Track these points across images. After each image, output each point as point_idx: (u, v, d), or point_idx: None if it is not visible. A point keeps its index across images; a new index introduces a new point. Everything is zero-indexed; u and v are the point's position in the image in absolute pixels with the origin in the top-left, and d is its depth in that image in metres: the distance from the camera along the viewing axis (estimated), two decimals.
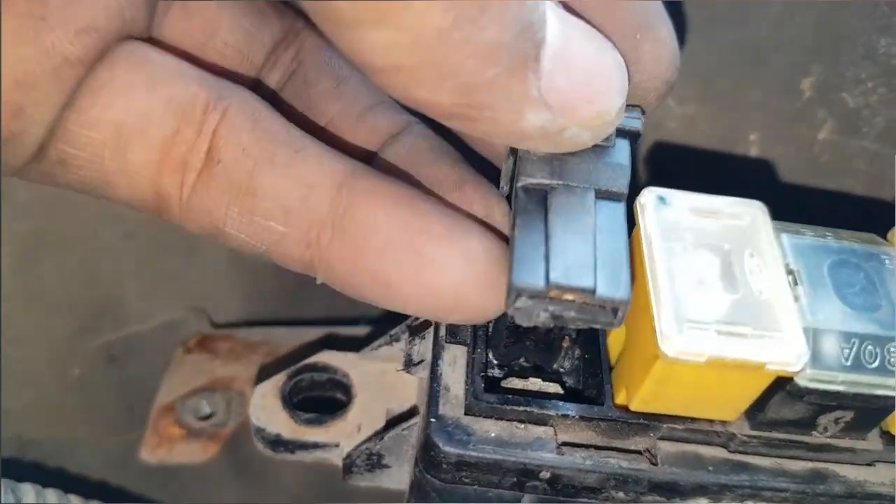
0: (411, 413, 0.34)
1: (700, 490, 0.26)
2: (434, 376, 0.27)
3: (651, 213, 0.25)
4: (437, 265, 0.25)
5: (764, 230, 0.26)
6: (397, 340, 0.34)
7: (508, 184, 0.27)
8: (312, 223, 0.26)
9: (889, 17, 0.42)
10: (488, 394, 0.26)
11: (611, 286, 0.22)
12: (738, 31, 0.48)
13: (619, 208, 0.24)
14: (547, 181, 0.23)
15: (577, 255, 0.22)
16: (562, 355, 0.30)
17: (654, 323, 0.24)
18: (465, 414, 0.26)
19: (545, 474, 0.26)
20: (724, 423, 0.26)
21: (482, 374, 0.26)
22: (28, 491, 0.39)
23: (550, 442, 0.26)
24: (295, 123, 0.28)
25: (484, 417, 0.26)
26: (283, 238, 0.26)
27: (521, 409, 0.26)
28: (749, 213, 0.26)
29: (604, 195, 0.24)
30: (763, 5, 0.44)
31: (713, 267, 0.25)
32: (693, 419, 0.26)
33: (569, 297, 0.22)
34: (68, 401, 0.50)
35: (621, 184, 0.24)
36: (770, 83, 0.47)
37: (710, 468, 0.26)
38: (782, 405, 0.25)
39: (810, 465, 0.27)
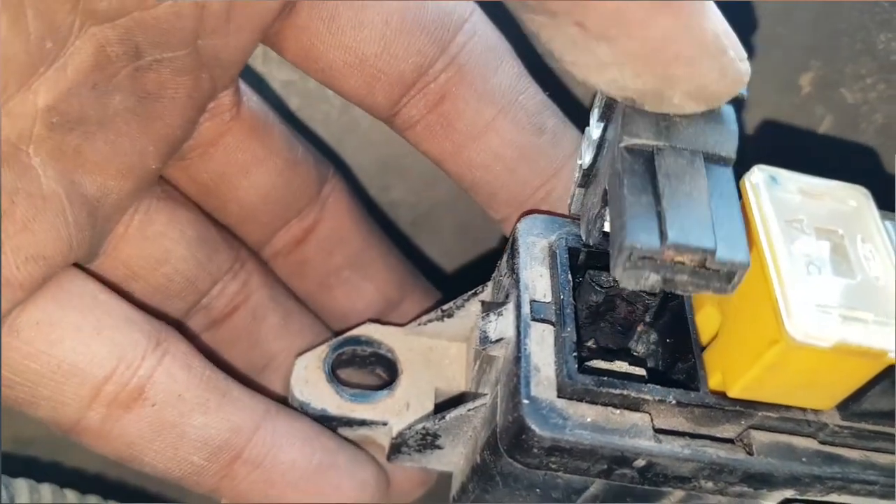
0: (462, 394, 0.32)
1: (792, 481, 0.25)
2: (522, 355, 0.25)
3: (764, 192, 0.24)
4: (340, 492, 0.30)
5: (871, 215, 0.25)
6: (450, 316, 0.32)
7: (594, 150, 0.26)
8: (232, 459, 0.29)
9: (888, 13, 0.42)
10: (583, 375, 0.24)
11: (730, 249, 0.21)
12: (735, 27, 0.48)
13: (729, 173, 0.23)
14: (652, 142, 0.23)
15: (693, 215, 0.21)
16: (635, 339, 0.29)
17: (770, 305, 0.23)
18: (558, 396, 0.24)
19: (640, 462, 0.24)
20: (815, 412, 0.26)
21: (574, 354, 0.25)
22: (22, 487, 0.35)
23: (647, 429, 0.24)
24: (234, 359, 0.32)
25: (577, 400, 0.24)
26: (201, 470, 0.29)
27: (618, 392, 0.24)
28: (855, 198, 0.25)
29: (712, 159, 0.23)
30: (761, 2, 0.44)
31: (824, 250, 0.24)
32: (787, 407, 0.25)
33: (684, 258, 0.21)
34: None
35: (730, 148, 0.23)
36: (768, 79, 0.46)
37: (804, 459, 0.25)
38: (883, 395, 0.25)
39: None
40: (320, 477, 0.30)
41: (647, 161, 0.22)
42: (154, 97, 0.27)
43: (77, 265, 0.29)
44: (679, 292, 0.22)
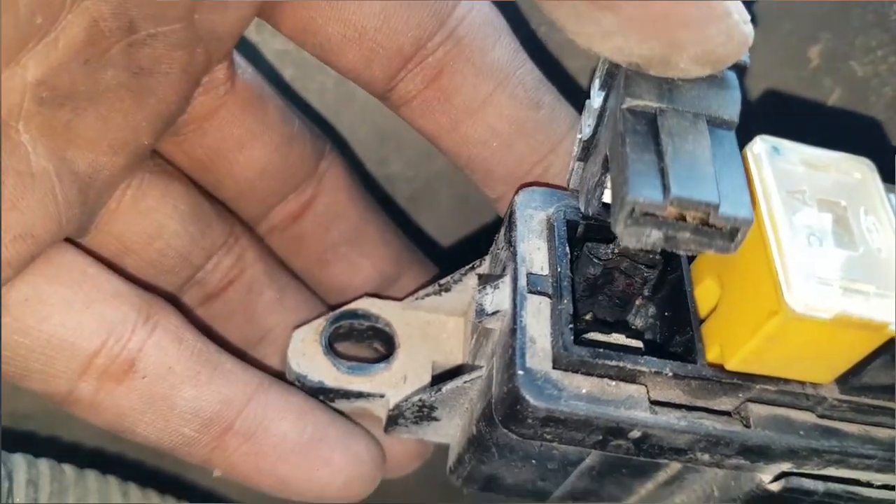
0: (460, 367, 0.32)
1: (789, 455, 0.25)
2: (518, 327, 0.25)
3: (766, 163, 0.24)
4: (331, 466, 0.30)
5: (875, 188, 0.24)
6: (447, 291, 0.32)
7: (595, 119, 0.26)
8: (223, 431, 0.29)
9: None
10: (579, 346, 0.24)
11: (734, 205, 0.21)
12: None
13: (732, 137, 0.23)
14: (655, 104, 0.22)
15: (696, 171, 0.21)
16: (633, 313, 0.29)
17: (769, 277, 0.22)
18: (554, 367, 0.24)
19: (635, 434, 0.24)
20: (814, 385, 0.25)
21: (570, 325, 0.25)
22: (19, 462, 0.35)
23: (643, 400, 0.24)
24: (229, 334, 0.32)
25: (572, 372, 0.24)
26: (193, 441, 0.29)
27: (614, 363, 0.24)
28: (859, 170, 0.25)
29: (715, 122, 0.23)
30: None
31: (826, 222, 0.24)
32: (786, 380, 0.25)
33: (687, 214, 0.20)
34: None
35: (733, 112, 0.23)
36: (776, 51, 0.46)
37: (802, 432, 0.25)
38: (883, 369, 0.24)
39: None
40: (311, 450, 0.30)
41: (649, 122, 0.22)
42: (148, 72, 0.26)
43: (68, 240, 0.29)
44: (681, 252, 0.21)
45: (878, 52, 0.43)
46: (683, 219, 0.21)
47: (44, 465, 0.36)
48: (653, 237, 0.21)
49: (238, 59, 0.31)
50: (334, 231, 0.34)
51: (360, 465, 0.31)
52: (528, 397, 0.23)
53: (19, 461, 0.36)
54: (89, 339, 0.27)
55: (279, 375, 0.31)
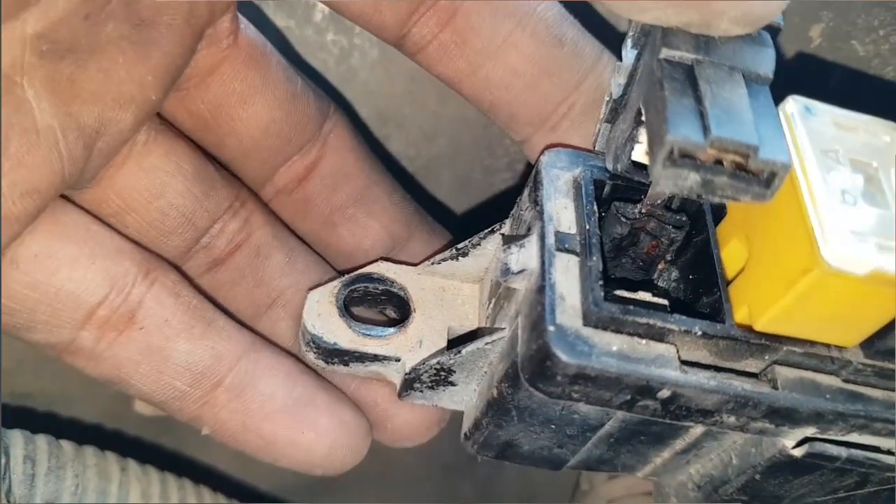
0: (475, 332, 0.32)
1: (815, 418, 0.25)
2: (547, 284, 0.24)
3: (799, 122, 0.24)
4: (318, 430, 0.31)
5: None
6: (464, 255, 0.31)
7: (626, 79, 0.26)
8: (213, 387, 0.30)
9: None
10: (609, 303, 0.24)
11: (773, 149, 0.21)
12: None
13: (766, 91, 0.23)
14: (692, 55, 0.22)
15: (735, 114, 0.21)
16: (656, 276, 0.28)
17: (804, 233, 0.22)
18: (584, 325, 0.24)
19: (664, 393, 0.24)
20: (840, 349, 0.25)
21: (600, 282, 0.24)
22: (17, 438, 0.34)
23: (673, 359, 0.24)
24: (238, 299, 0.33)
25: (602, 329, 0.24)
26: (184, 395, 0.30)
27: (644, 321, 0.24)
28: (888, 133, 0.25)
29: (750, 77, 0.23)
30: None
31: (858, 181, 0.24)
32: (812, 343, 0.25)
33: (725, 158, 0.20)
34: None
35: (768, 68, 0.23)
36: None
37: (828, 396, 0.25)
38: None
39: None
40: (298, 411, 0.31)
41: (686, 72, 0.22)
42: (149, 24, 0.26)
43: (72, 202, 0.29)
44: (716, 199, 0.21)
45: (879, 32, 0.42)
46: (721, 163, 0.21)
47: (41, 440, 0.36)
48: (690, 180, 0.21)
49: (240, 15, 0.30)
50: (341, 192, 0.33)
51: (346, 432, 0.31)
52: (559, 353, 0.23)
53: (17, 437, 0.35)
54: (93, 291, 0.29)
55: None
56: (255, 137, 0.31)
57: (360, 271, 0.31)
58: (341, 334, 0.30)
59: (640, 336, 0.24)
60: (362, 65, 0.36)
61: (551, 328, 0.24)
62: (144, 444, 0.46)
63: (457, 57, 0.29)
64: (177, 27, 0.27)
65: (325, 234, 0.34)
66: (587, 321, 0.24)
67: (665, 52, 0.22)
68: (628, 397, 0.24)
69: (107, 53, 0.26)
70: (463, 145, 0.42)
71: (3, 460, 0.34)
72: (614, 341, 0.24)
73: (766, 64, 0.23)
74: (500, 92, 0.29)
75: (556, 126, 0.30)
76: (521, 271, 0.26)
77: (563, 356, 0.23)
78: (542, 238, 0.26)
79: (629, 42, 0.25)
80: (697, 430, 0.27)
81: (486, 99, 0.30)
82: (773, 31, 0.24)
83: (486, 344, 0.27)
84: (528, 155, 0.31)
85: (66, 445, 0.36)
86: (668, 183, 0.21)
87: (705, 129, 0.20)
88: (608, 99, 0.27)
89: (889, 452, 0.27)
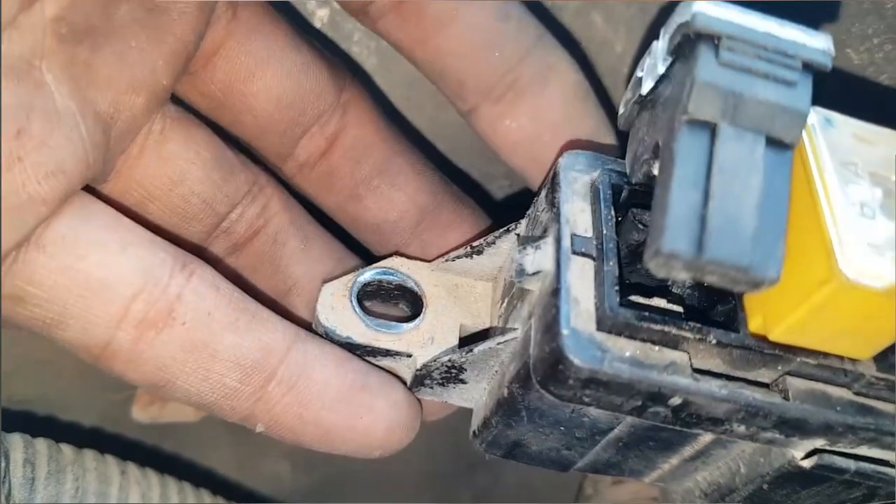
0: (487, 331, 0.32)
1: (825, 430, 0.25)
2: (562, 287, 0.25)
3: (819, 134, 0.24)
4: (375, 413, 0.30)
5: None
6: (479, 253, 0.31)
7: (655, 81, 0.25)
8: (266, 381, 0.29)
9: None
10: (624, 308, 0.24)
11: (764, 264, 0.21)
12: None
13: (787, 161, 0.22)
14: (717, 120, 0.22)
15: (737, 224, 0.21)
16: (670, 283, 0.28)
17: (822, 245, 0.22)
18: (597, 329, 0.24)
19: (675, 400, 0.24)
20: (853, 361, 0.25)
21: (615, 287, 0.24)
22: (16, 441, 0.35)
23: (686, 367, 0.24)
24: (258, 285, 0.32)
25: (615, 335, 0.24)
26: (235, 392, 0.29)
27: (658, 327, 0.24)
28: None
29: (774, 143, 0.22)
30: None
31: (877, 195, 0.24)
32: (825, 355, 0.25)
33: (716, 271, 0.21)
34: (59, 359, 0.45)
35: (795, 135, 0.22)
36: None
37: (838, 408, 0.25)
38: None
39: None
40: (354, 397, 0.29)
41: (706, 141, 0.22)
42: (162, 9, 0.27)
43: (94, 192, 0.28)
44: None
45: (874, 41, 0.42)
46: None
47: (41, 444, 0.36)
48: (682, 275, 0.21)
49: None
50: (365, 164, 0.33)
51: (400, 412, 0.30)
52: (571, 357, 0.23)
53: (17, 441, 0.35)
54: (127, 282, 0.27)
55: (309, 328, 0.31)
56: (268, 111, 0.31)
57: (375, 265, 0.32)
58: (355, 328, 0.30)
59: (653, 343, 0.24)
60: (360, 72, 0.36)
61: (565, 331, 0.24)
62: (143, 447, 0.46)
63: (413, 25, 0.30)
64: (190, 13, 0.27)
65: (352, 207, 0.34)
66: (601, 326, 0.24)
67: (690, 115, 0.22)
68: (639, 403, 0.24)
69: (120, 37, 0.26)
70: (460, 152, 0.42)
71: (3, 464, 0.34)
72: (627, 347, 0.24)
73: (793, 130, 0.22)
74: (449, 59, 0.31)
75: (500, 97, 0.32)
76: (536, 273, 0.26)
77: (576, 360, 0.23)
78: (559, 240, 0.26)
79: (664, 45, 0.24)
80: (707, 437, 0.27)
81: (437, 67, 0.31)
82: (816, 72, 0.23)
83: (498, 344, 0.28)
84: (472, 126, 0.33)
85: (66, 449, 0.37)
86: (661, 273, 0.21)
87: (700, 245, 0.20)
88: (638, 91, 0.26)
89: None
